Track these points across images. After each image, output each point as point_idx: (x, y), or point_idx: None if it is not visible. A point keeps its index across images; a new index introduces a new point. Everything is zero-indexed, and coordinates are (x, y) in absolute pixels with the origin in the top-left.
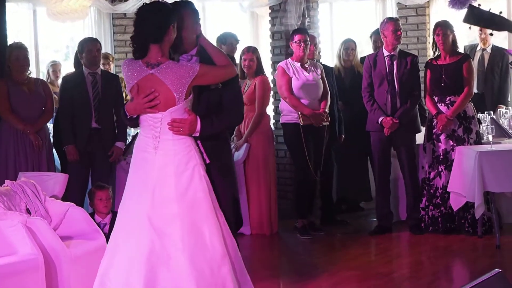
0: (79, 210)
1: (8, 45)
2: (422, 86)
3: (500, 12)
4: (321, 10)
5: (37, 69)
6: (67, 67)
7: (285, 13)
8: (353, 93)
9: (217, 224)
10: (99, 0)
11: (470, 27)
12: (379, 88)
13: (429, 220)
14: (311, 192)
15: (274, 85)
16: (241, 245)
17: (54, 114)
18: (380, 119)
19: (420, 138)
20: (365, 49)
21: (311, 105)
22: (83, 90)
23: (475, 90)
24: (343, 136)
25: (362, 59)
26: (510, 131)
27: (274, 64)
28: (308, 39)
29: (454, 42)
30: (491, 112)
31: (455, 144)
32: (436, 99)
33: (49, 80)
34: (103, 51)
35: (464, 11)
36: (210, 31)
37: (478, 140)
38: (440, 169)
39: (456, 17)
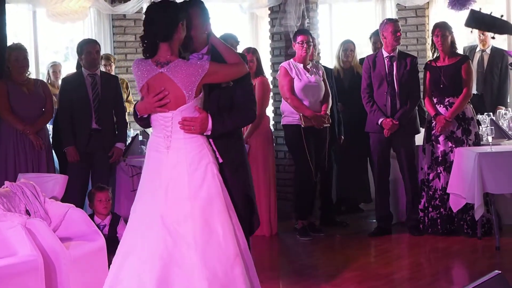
0: (78, 212)
1: (7, 46)
2: (422, 87)
3: (502, 16)
4: (321, 11)
5: (37, 70)
6: (67, 68)
7: (285, 14)
8: (352, 94)
9: (230, 223)
10: (99, 1)
11: (471, 31)
12: (379, 89)
13: (428, 222)
14: (311, 194)
15: (274, 86)
16: None
17: (54, 115)
18: (380, 120)
19: (419, 139)
20: (364, 50)
21: (313, 106)
22: (82, 91)
23: (474, 91)
24: (342, 137)
25: (362, 60)
26: (509, 133)
27: (274, 65)
28: (311, 40)
29: (453, 43)
30: (491, 113)
31: (453, 146)
32: (435, 100)
33: (49, 81)
34: (103, 52)
35: (463, 12)
36: None
37: (477, 142)
38: (439, 171)
39: (455, 18)
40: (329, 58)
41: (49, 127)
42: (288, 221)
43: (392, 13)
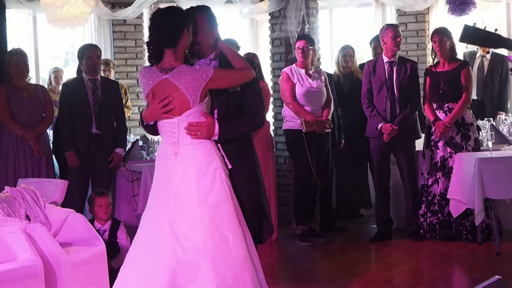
0: (78, 217)
1: (7, 51)
2: (422, 92)
3: (496, 30)
4: (321, 16)
5: (37, 76)
6: (67, 74)
7: (285, 19)
8: (352, 99)
9: (239, 228)
10: (99, 7)
11: (467, 47)
12: (379, 94)
13: (427, 227)
14: (312, 199)
15: (274, 91)
16: None
17: (54, 120)
18: (380, 125)
19: (419, 144)
20: (364, 55)
21: (314, 112)
22: (83, 96)
23: (474, 97)
24: (343, 141)
25: (362, 65)
26: (509, 138)
27: (274, 70)
28: (310, 46)
29: (453, 48)
30: (491, 118)
31: (453, 151)
32: (434, 105)
33: (50, 87)
34: (103, 57)
35: (463, 18)
36: None
37: (477, 147)
38: (437, 176)
39: (455, 23)
40: (329, 64)
41: (50, 132)
42: (288, 226)
43: (392, 19)
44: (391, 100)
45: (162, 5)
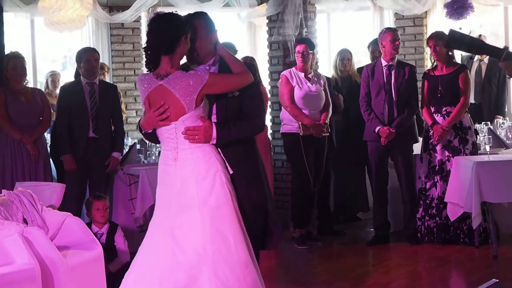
0: (76, 220)
1: (5, 54)
2: (420, 96)
3: (480, 36)
4: (319, 20)
5: (35, 79)
6: (65, 77)
7: (283, 23)
8: (350, 102)
9: (241, 231)
10: (97, 10)
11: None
12: (377, 97)
13: (425, 231)
14: (309, 202)
15: (272, 95)
16: None
17: (52, 124)
18: (377, 128)
19: (417, 148)
20: (362, 59)
21: (312, 115)
22: (81, 99)
23: (472, 101)
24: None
25: (360, 69)
26: (507, 142)
27: (272, 74)
28: (310, 51)
29: (450, 52)
30: (489, 122)
31: (451, 155)
32: (432, 109)
33: (47, 90)
34: (102, 61)
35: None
36: None
37: (474, 151)
38: (435, 180)
39: (453, 27)
40: (327, 67)
41: (47, 135)
42: (285, 230)
43: (390, 22)
44: (389, 104)
45: (160, 9)
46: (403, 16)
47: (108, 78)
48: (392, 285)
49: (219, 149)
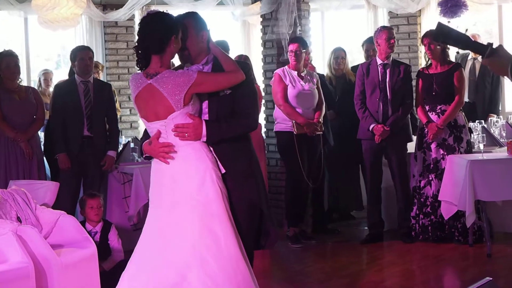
0: (70, 219)
1: None
2: (414, 95)
3: (466, 30)
4: (313, 18)
5: (28, 78)
6: (58, 76)
7: (277, 21)
8: (344, 101)
9: (232, 229)
10: (91, 8)
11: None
12: (371, 96)
13: (420, 229)
14: (303, 201)
15: (266, 93)
16: None
17: (45, 122)
18: (371, 126)
19: (411, 146)
20: (356, 58)
21: (306, 114)
22: (75, 98)
23: (466, 99)
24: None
25: (354, 67)
26: (501, 140)
27: (266, 72)
28: (303, 49)
29: (444, 51)
30: (482, 121)
31: (445, 153)
32: (427, 107)
33: (40, 89)
34: (96, 59)
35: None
36: None
37: (469, 149)
38: (430, 178)
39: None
40: (321, 66)
41: (41, 134)
42: (279, 229)
43: (384, 21)
44: (383, 102)
45: (153, 7)
46: (397, 14)
47: (102, 77)
48: (386, 283)
49: (211, 148)
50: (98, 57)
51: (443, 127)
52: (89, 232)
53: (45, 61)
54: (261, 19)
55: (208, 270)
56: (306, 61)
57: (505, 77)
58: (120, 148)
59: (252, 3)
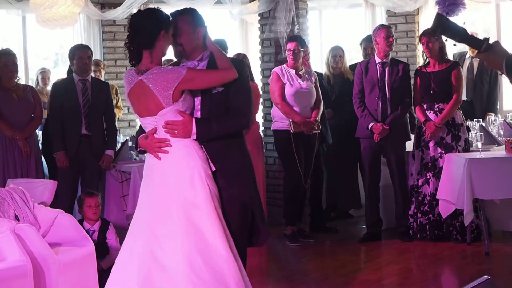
0: (67, 217)
1: None
2: (412, 93)
3: (464, 23)
4: (311, 17)
5: (26, 76)
6: (56, 75)
7: (275, 20)
8: (342, 100)
9: (220, 227)
10: (89, 7)
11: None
12: (370, 94)
13: (418, 227)
14: (301, 199)
15: (264, 92)
16: None
17: (43, 121)
18: (370, 125)
19: (409, 145)
20: (354, 56)
21: (303, 112)
22: (73, 96)
23: (464, 98)
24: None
25: (352, 66)
26: (499, 139)
27: (264, 71)
28: (301, 48)
29: (442, 49)
30: (480, 119)
31: (443, 152)
32: (425, 106)
33: (38, 88)
34: (94, 58)
35: (453, 19)
36: None
37: (467, 148)
38: (428, 177)
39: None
40: (319, 64)
41: (39, 133)
42: (277, 227)
43: (382, 19)
44: (382, 101)
45: (151, 6)
46: (395, 13)
47: (103, 75)
48: (384, 282)
49: (202, 145)
50: (96, 55)
51: (441, 126)
52: (87, 231)
53: (43, 60)
54: (259, 18)
55: (194, 266)
56: (306, 60)
57: (503, 75)
58: (118, 146)
59: (250, 1)
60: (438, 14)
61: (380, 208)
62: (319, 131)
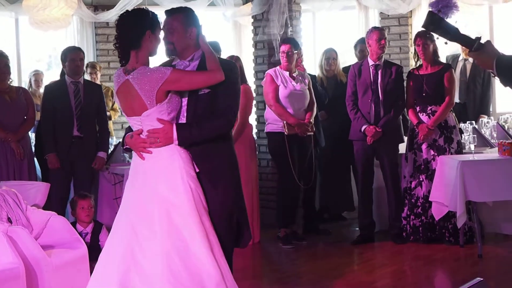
0: (60, 219)
1: None
2: (405, 95)
3: (456, 22)
4: (304, 19)
5: (19, 78)
6: (49, 77)
7: (268, 22)
8: (336, 102)
9: (202, 229)
10: (82, 9)
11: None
12: (363, 97)
13: (411, 230)
14: (294, 202)
15: (257, 94)
16: None
17: (36, 123)
18: (363, 127)
19: (402, 147)
20: (348, 59)
21: (297, 114)
22: (65, 98)
23: (457, 100)
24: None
25: (346, 68)
26: (491, 141)
27: (257, 73)
28: (295, 51)
29: (435, 52)
30: (473, 121)
31: (436, 154)
32: (417, 108)
33: (30, 90)
34: (87, 60)
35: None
36: None
37: (459, 150)
38: (421, 179)
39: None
40: (312, 67)
41: (32, 135)
42: (271, 230)
43: (375, 22)
44: (375, 103)
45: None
46: (388, 15)
47: (99, 77)
48: (377, 284)
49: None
50: (90, 57)
51: (434, 128)
52: (80, 233)
53: (36, 62)
54: (252, 20)
55: (172, 268)
56: (299, 62)
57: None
58: (111, 149)
59: (243, 4)
60: (430, 12)
61: (373, 210)
62: (313, 133)
